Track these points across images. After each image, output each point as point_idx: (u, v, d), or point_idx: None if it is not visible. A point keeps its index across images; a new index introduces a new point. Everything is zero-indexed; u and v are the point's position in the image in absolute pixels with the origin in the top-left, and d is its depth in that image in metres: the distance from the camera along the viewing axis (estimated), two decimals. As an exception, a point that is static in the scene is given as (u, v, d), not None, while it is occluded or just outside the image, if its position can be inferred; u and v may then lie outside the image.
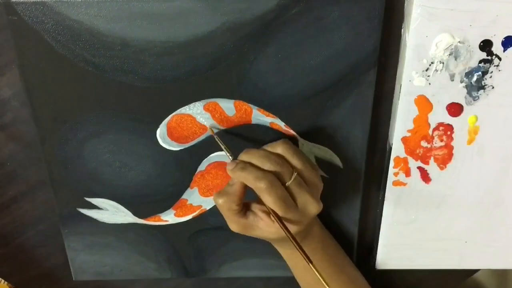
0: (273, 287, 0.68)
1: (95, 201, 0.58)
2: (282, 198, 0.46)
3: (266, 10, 0.47)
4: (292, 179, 0.47)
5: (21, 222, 0.60)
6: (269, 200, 0.46)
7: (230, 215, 0.49)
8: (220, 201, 0.48)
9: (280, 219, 0.47)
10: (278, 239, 0.50)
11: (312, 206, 0.48)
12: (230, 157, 0.50)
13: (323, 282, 0.45)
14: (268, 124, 0.53)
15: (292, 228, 0.48)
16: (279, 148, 0.48)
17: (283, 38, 0.49)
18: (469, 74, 0.50)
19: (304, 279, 0.57)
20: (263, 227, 0.49)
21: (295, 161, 0.48)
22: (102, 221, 0.59)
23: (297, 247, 0.47)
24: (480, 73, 0.50)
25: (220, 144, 0.51)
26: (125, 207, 0.58)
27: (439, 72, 0.50)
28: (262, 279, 0.67)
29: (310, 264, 0.46)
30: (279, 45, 0.49)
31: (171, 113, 0.53)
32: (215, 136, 0.52)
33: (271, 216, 0.48)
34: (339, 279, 0.56)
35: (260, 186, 0.46)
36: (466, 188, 0.57)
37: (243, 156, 0.49)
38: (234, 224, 0.50)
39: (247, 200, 0.50)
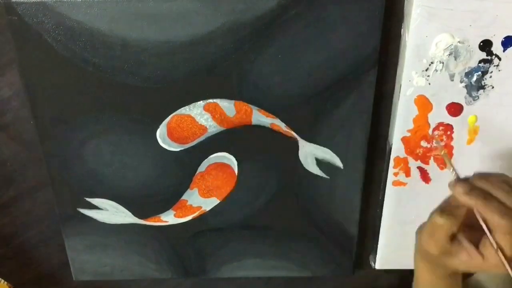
0: (273, 287, 0.68)
1: (95, 201, 0.58)
2: None
3: (267, 10, 0.47)
4: None
5: (21, 222, 0.60)
6: (507, 240, 0.42)
7: (442, 238, 0.45)
8: (442, 221, 0.44)
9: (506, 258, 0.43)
10: (461, 271, 0.47)
11: None
12: (456, 175, 0.47)
13: None
14: (268, 125, 0.53)
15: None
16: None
17: (283, 38, 0.49)
18: (469, 74, 0.50)
19: None
20: (464, 257, 0.45)
21: None
22: (102, 221, 0.59)
23: None
24: (480, 73, 0.50)
25: (447, 162, 0.49)
26: (125, 207, 0.58)
27: (439, 72, 0.50)
28: (262, 279, 0.67)
29: None
30: (280, 46, 0.49)
31: (171, 114, 0.53)
32: (442, 154, 0.50)
33: (480, 249, 0.44)
34: None
35: (501, 224, 0.42)
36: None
37: (481, 183, 0.44)
38: (437, 246, 0.46)
39: None
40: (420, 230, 0.48)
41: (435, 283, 0.49)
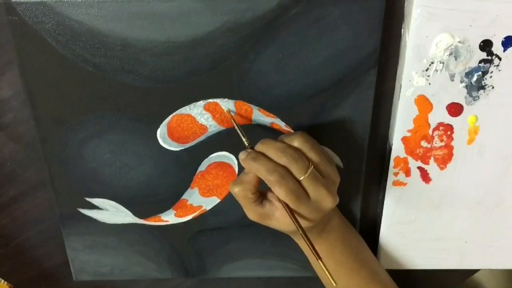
0: (273, 287, 0.68)
1: (95, 201, 0.58)
2: (294, 191, 0.46)
3: (267, 10, 0.47)
4: (308, 173, 0.47)
5: (21, 222, 0.60)
6: (279, 193, 0.46)
7: (246, 204, 0.49)
8: (236, 189, 0.48)
9: (292, 212, 0.47)
10: (293, 231, 0.50)
11: (327, 200, 0.48)
12: (246, 143, 0.49)
13: (331, 279, 0.45)
14: (268, 124, 0.53)
15: (305, 222, 0.48)
16: (296, 141, 0.48)
17: (283, 38, 0.49)
18: (469, 74, 0.50)
19: (322, 273, 0.56)
20: (279, 217, 0.49)
21: (312, 155, 0.48)
22: (103, 221, 0.59)
23: (307, 241, 0.47)
24: (480, 73, 0.50)
25: (238, 130, 0.50)
26: (125, 207, 0.58)
27: (439, 72, 0.50)
28: (262, 279, 0.67)
29: (318, 260, 0.46)
30: (280, 45, 0.49)
31: (172, 113, 0.53)
32: (233, 121, 0.51)
33: (284, 208, 0.48)
34: (360, 273, 0.55)
35: (270, 179, 0.46)
36: (466, 188, 0.57)
37: (259, 146, 0.48)
38: (251, 213, 0.49)
39: (264, 189, 0.50)
40: None
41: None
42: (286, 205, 0.47)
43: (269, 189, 0.49)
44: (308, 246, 0.47)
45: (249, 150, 0.48)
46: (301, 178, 0.47)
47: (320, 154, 0.48)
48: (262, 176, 0.47)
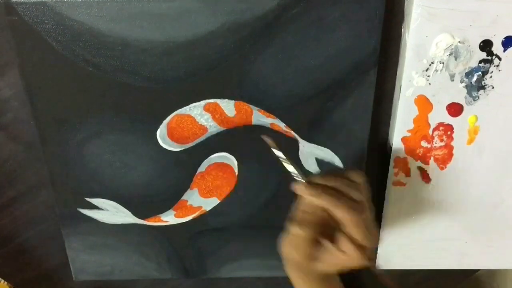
0: (273, 287, 0.68)
1: (95, 201, 0.58)
2: (367, 228, 0.45)
3: (267, 10, 0.47)
4: (369, 209, 0.46)
5: (21, 222, 0.60)
6: (356, 232, 0.45)
7: (303, 246, 0.46)
8: (301, 232, 0.46)
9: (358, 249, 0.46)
10: (331, 271, 0.48)
11: (377, 236, 0.47)
12: (300, 177, 0.47)
13: None
14: (268, 125, 0.53)
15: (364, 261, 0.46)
16: (357, 176, 0.47)
17: (283, 38, 0.49)
18: (469, 74, 0.50)
19: None
20: (328, 259, 0.47)
21: (367, 191, 0.47)
22: (103, 221, 0.59)
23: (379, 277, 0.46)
24: (480, 73, 0.50)
25: (287, 166, 0.47)
26: (125, 207, 0.58)
27: (439, 72, 0.50)
28: (262, 280, 0.67)
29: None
30: (280, 46, 0.49)
31: (171, 114, 0.53)
32: (280, 159, 0.48)
33: (341, 246, 0.46)
34: None
35: (350, 219, 0.44)
36: (466, 188, 0.57)
37: (326, 181, 0.46)
38: (299, 254, 0.47)
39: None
40: (283, 243, 0.48)
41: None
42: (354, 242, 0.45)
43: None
44: (379, 279, 0.46)
45: (317, 182, 0.46)
46: (365, 215, 0.46)
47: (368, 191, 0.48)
48: (341, 215, 0.44)
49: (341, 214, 0.45)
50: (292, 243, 0.47)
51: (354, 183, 0.47)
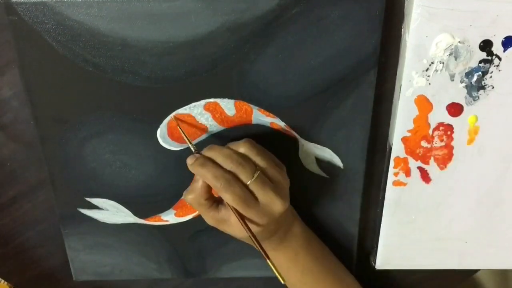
0: (273, 287, 0.68)
1: (95, 201, 0.58)
2: (241, 196, 0.47)
3: (267, 10, 0.47)
4: (254, 177, 0.47)
5: (21, 222, 0.60)
6: (227, 198, 0.47)
7: (201, 210, 0.50)
8: (189, 197, 0.49)
9: (242, 217, 0.48)
10: (247, 237, 0.50)
11: (277, 204, 0.48)
12: (193, 150, 0.50)
13: (280, 278, 0.46)
14: (268, 124, 0.54)
15: (255, 227, 0.48)
16: (242, 147, 0.49)
17: (283, 38, 0.49)
18: (469, 74, 0.50)
19: (288, 281, 0.56)
20: (234, 222, 0.49)
21: (259, 160, 0.48)
22: (103, 221, 0.59)
23: (255, 242, 0.48)
24: (480, 73, 0.50)
25: (184, 137, 0.51)
26: (125, 207, 0.58)
27: (439, 72, 0.50)
28: (262, 279, 0.67)
29: (267, 259, 0.47)
30: (280, 45, 0.49)
31: (172, 113, 0.53)
32: (180, 128, 0.52)
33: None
34: (326, 279, 0.57)
35: (217, 185, 0.46)
36: (466, 188, 0.57)
37: (206, 152, 0.49)
38: (209, 218, 0.50)
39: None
40: None
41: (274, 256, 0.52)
42: (235, 210, 0.48)
43: None
44: (256, 246, 0.48)
45: (196, 155, 0.49)
46: (248, 183, 0.47)
47: (267, 159, 0.49)
48: (210, 182, 0.47)
49: (208, 181, 0.47)
50: (196, 209, 0.51)
51: (235, 153, 0.48)
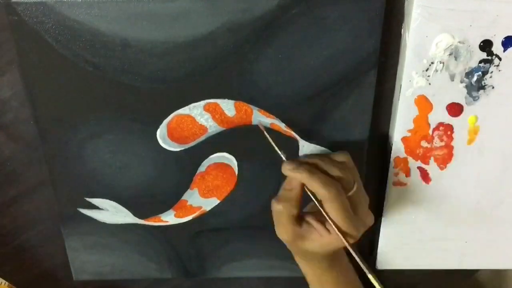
0: (273, 287, 0.68)
1: (95, 201, 0.58)
2: (346, 207, 0.45)
3: (267, 10, 0.47)
4: (354, 189, 0.46)
5: (21, 222, 0.60)
6: (333, 208, 0.44)
7: (286, 223, 0.47)
8: (279, 207, 0.46)
9: (339, 229, 0.46)
10: (325, 252, 0.48)
11: (369, 217, 0.47)
12: (283, 156, 0.48)
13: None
14: (268, 125, 0.53)
15: (351, 240, 0.46)
16: (341, 156, 0.47)
17: (283, 38, 0.49)
18: (469, 74, 0.50)
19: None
20: (316, 237, 0.47)
21: (354, 172, 0.47)
22: (103, 221, 0.59)
23: (358, 258, 0.46)
24: (480, 73, 0.50)
25: (271, 142, 0.49)
26: (125, 207, 0.58)
27: (439, 72, 0.50)
28: (262, 279, 0.67)
29: (369, 274, 0.46)
30: (280, 46, 0.49)
31: (171, 114, 0.53)
32: (265, 133, 0.50)
33: (327, 225, 0.46)
34: None
35: (325, 194, 0.44)
36: (466, 188, 0.57)
37: (307, 158, 0.47)
38: (286, 232, 0.47)
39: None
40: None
41: (319, 275, 0.51)
42: (333, 222, 0.45)
43: (306, 212, 0.49)
44: (359, 262, 0.46)
45: (298, 160, 0.46)
46: (348, 194, 0.46)
47: (357, 171, 0.48)
48: (316, 189, 0.45)
49: (316, 187, 0.45)
50: (277, 220, 0.48)
51: (336, 162, 0.47)
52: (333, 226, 0.46)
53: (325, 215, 0.46)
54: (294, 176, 0.46)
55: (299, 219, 0.48)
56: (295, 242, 0.48)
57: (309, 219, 0.48)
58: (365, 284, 0.54)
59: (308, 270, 0.52)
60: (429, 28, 0.48)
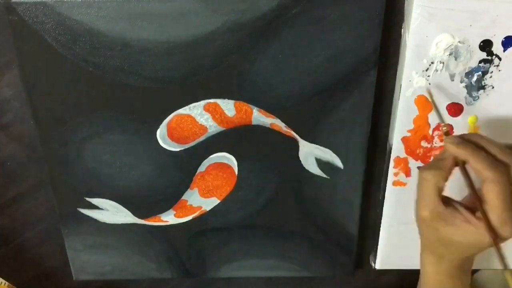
0: (273, 287, 0.68)
1: (95, 201, 0.58)
2: (509, 195, 0.40)
3: (267, 10, 0.47)
4: None
5: (21, 222, 0.60)
6: (494, 192, 0.40)
7: (433, 195, 0.43)
8: (429, 175, 0.42)
9: (490, 222, 0.41)
10: (463, 247, 0.43)
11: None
12: (443, 126, 0.46)
13: None
14: (268, 125, 0.53)
15: (498, 234, 0.41)
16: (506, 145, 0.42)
17: (283, 38, 0.49)
18: (469, 74, 0.50)
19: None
20: (460, 223, 0.42)
21: None
22: (103, 221, 0.59)
23: (497, 250, 0.41)
24: (480, 73, 0.50)
25: (434, 108, 0.48)
26: (125, 207, 0.58)
27: (439, 72, 0.50)
28: (262, 279, 0.67)
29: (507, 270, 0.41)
30: (280, 46, 0.49)
31: (171, 114, 0.53)
32: (428, 98, 0.48)
33: (477, 215, 0.42)
34: None
35: (489, 174, 0.40)
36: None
37: (472, 137, 0.43)
38: (428, 206, 0.43)
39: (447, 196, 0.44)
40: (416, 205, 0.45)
41: (440, 281, 0.47)
42: (483, 211, 0.41)
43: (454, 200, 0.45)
44: (498, 255, 0.41)
45: (464, 136, 0.43)
46: None
47: None
48: (479, 169, 0.41)
49: (480, 167, 0.41)
50: (421, 191, 0.43)
51: (505, 147, 0.42)
52: (483, 216, 0.41)
53: (478, 202, 0.41)
54: (458, 152, 0.42)
55: (445, 201, 0.44)
56: (435, 223, 0.43)
57: (456, 204, 0.44)
58: None
59: (430, 269, 0.47)
60: (429, 28, 0.48)
